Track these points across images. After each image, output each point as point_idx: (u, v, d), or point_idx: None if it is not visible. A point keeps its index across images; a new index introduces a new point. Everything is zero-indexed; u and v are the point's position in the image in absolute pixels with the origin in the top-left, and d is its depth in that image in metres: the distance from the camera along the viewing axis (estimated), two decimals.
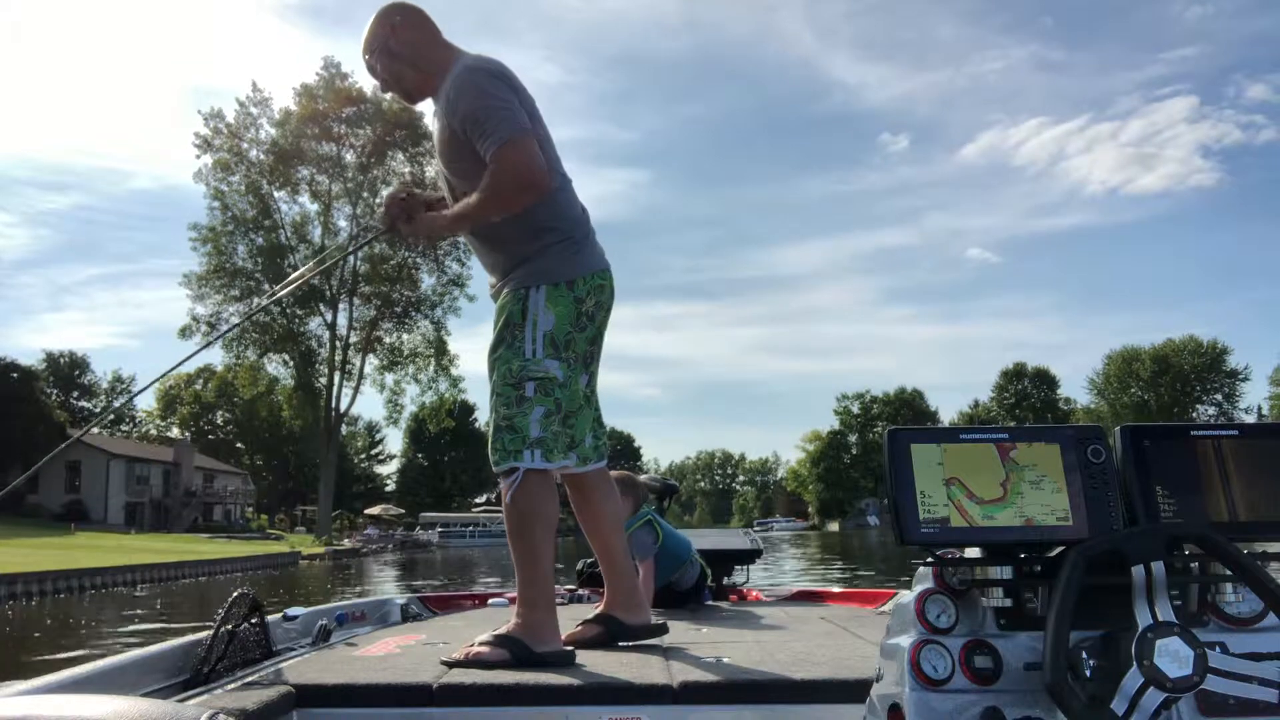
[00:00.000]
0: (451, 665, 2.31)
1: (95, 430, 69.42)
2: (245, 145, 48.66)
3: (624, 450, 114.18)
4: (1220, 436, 1.45)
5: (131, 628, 13.86)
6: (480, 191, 2.47)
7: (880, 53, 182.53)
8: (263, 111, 48.89)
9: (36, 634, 13.32)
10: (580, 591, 5.08)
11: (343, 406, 51.68)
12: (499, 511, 3.06)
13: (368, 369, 51.72)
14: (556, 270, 2.58)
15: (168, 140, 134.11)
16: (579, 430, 2.65)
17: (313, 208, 50.79)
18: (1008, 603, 1.42)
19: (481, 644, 2.43)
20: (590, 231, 2.71)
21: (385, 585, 25.05)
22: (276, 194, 49.67)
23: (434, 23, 2.70)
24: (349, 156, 50.10)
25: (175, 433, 77.03)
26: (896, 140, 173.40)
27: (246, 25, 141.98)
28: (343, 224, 50.73)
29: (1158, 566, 1.33)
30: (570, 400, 2.60)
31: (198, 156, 48.13)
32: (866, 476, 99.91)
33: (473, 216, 2.54)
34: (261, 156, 48.81)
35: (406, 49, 2.63)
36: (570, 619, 2.86)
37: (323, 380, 51.33)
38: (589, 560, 5.40)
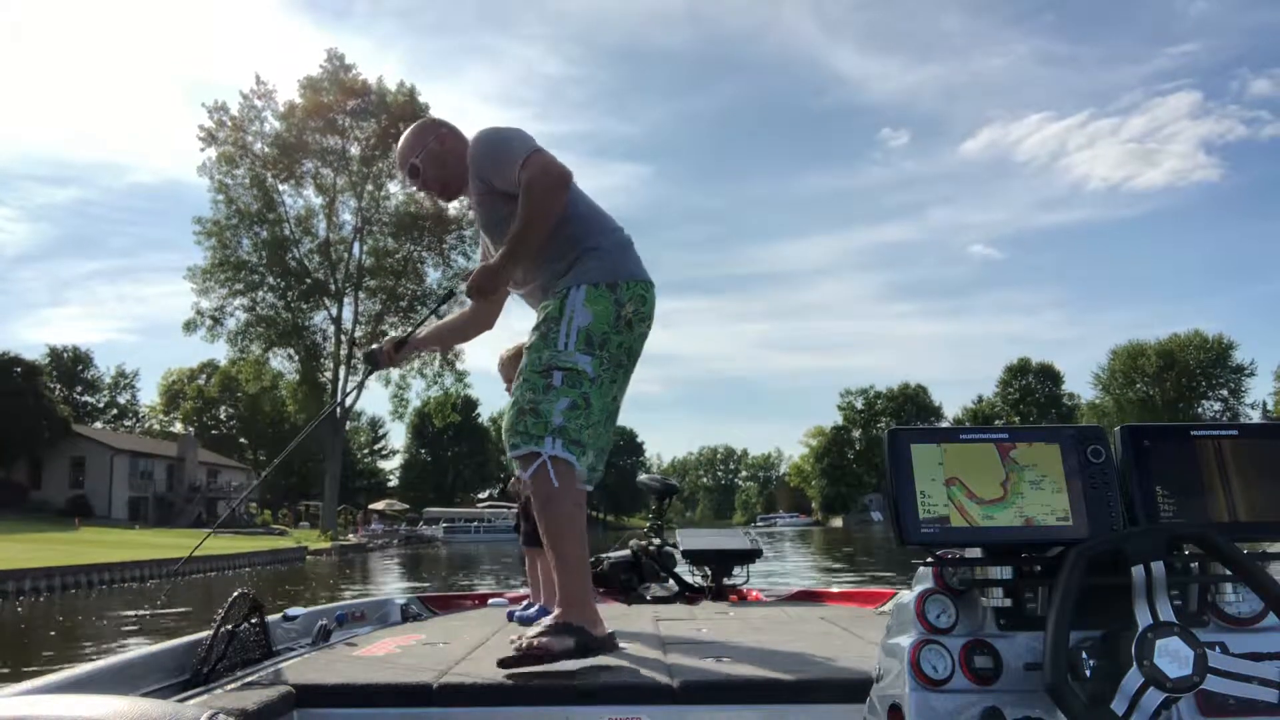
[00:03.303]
0: (509, 664, 2.21)
1: (99, 425, 69.63)
2: (249, 138, 48.66)
3: (626, 446, 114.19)
4: (1220, 437, 1.45)
5: (144, 620, 13.90)
6: (520, 209, 2.57)
7: (882, 46, 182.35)
8: (267, 104, 48.89)
9: (51, 632, 13.35)
10: None
11: (348, 401, 51.74)
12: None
13: None
14: (595, 272, 2.63)
15: (167, 133, 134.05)
16: (596, 442, 2.63)
17: (317, 201, 50.81)
18: (1008, 603, 1.42)
19: (538, 635, 2.33)
20: (627, 243, 2.76)
21: (394, 581, 25.11)
22: (281, 187, 49.67)
23: (456, 128, 2.99)
24: (353, 149, 50.05)
25: (178, 428, 77.13)
26: (898, 135, 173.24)
27: (246, 18, 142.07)
28: (347, 217, 50.73)
29: (1158, 566, 1.32)
30: (600, 400, 2.60)
31: (202, 149, 48.10)
32: (870, 472, 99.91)
33: (523, 236, 2.58)
34: (265, 149, 48.80)
35: (451, 156, 2.89)
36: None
37: (327, 375, 51.39)
38: (589, 559, 5.40)
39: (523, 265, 2.69)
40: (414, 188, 3.01)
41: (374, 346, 3.32)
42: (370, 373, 3.52)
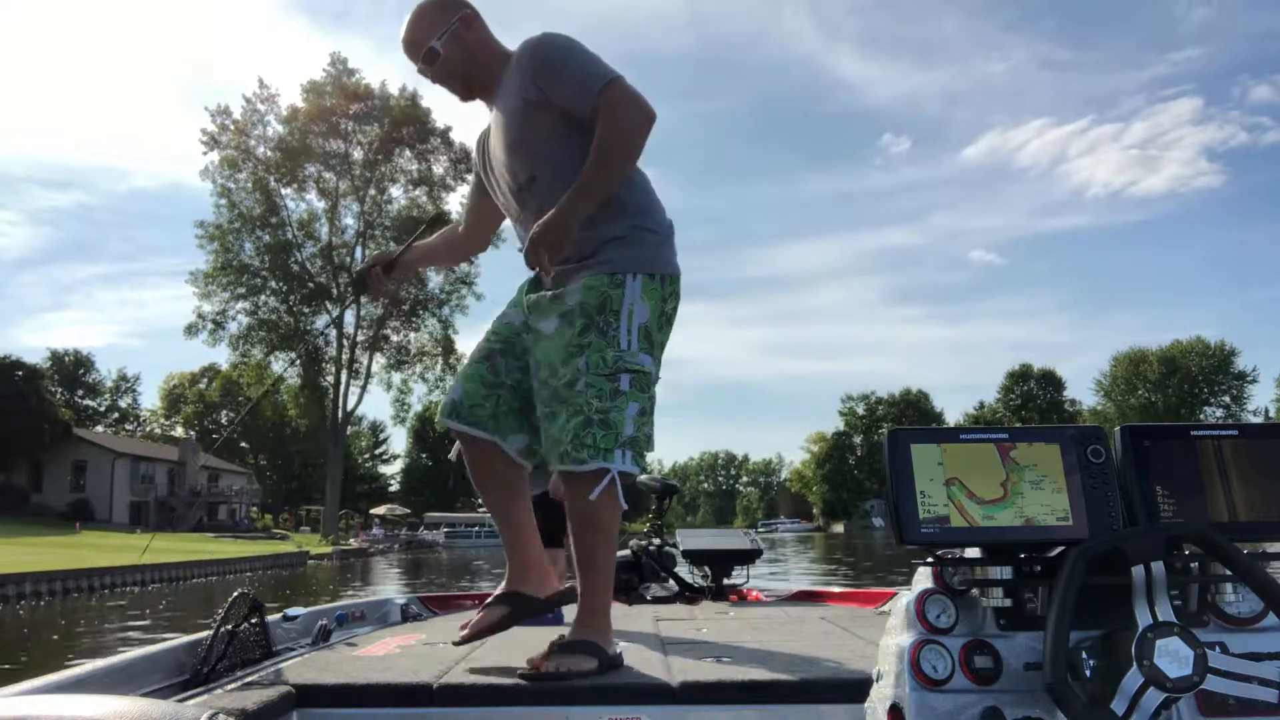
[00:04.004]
0: (536, 678, 2.11)
1: (100, 429, 69.65)
2: (252, 142, 48.81)
3: None
4: (1220, 437, 1.45)
5: (144, 626, 13.90)
6: (601, 140, 2.26)
7: (884, 50, 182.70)
8: (270, 108, 49.05)
9: (54, 635, 13.35)
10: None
11: (349, 405, 51.83)
12: None
13: (375, 368, 51.81)
14: (653, 260, 2.38)
15: (169, 138, 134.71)
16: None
17: (319, 205, 50.93)
18: (1008, 603, 1.42)
19: (560, 655, 2.21)
20: (673, 230, 2.52)
21: (394, 586, 25.09)
22: (283, 191, 49.80)
23: (479, 14, 2.62)
24: (356, 153, 50.23)
25: (179, 432, 77.18)
26: (899, 141, 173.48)
27: (247, 22, 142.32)
28: (349, 221, 50.79)
29: (1158, 566, 1.32)
30: (654, 401, 2.41)
31: (205, 153, 48.42)
32: (871, 478, 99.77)
33: (604, 172, 2.27)
34: (268, 153, 48.94)
35: (478, 46, 2.54)
36: (571, 619, 2.85)
37: (329, 379, 51.44)
38: None
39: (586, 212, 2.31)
40: (425, 76, 2.59)
41: (361, 267, 2.90)
42: (358, 297, 3.13)
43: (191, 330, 48.21)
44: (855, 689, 1.77)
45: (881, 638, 1.51)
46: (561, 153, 2.37)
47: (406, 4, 2.56)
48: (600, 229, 2.35)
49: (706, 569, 4.95)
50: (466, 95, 2.59)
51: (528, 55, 2.40)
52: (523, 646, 2.67)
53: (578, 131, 2.33)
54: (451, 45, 2.51)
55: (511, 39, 2.60)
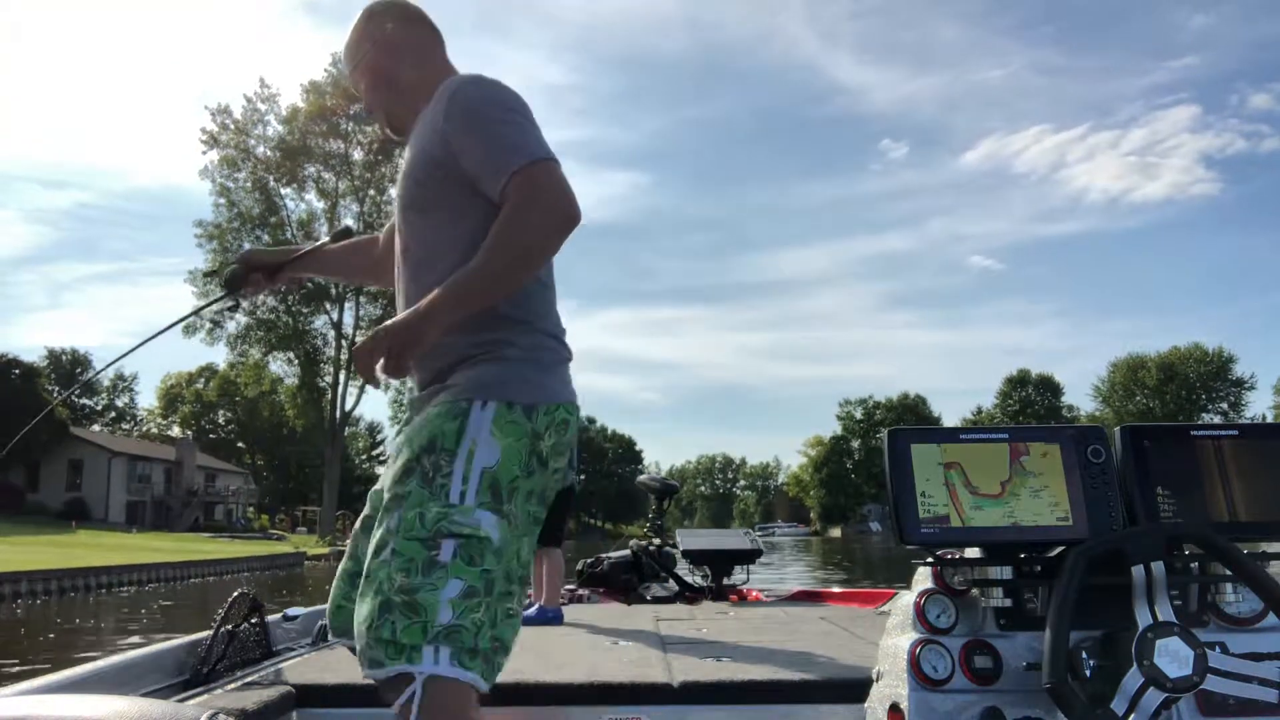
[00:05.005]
0: None
1: (97, 428, 69.59)
2: (252, 142, 48.89)
3: (625, 455, 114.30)
4: (1220, 437, 1.46)
5: (142, 627, 13.88)
6: (496, 235, 1.69)
7: (882, 56, 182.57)
8: (270, 108, 49.10)
9: (51, 634, 13.33)
10: (580, 591, 5.10)
11: (347, 406, 51.85)
12: None
13: None
14: (515, 385, 1.75)
15: (167, 138, 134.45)
16: (508, 631, 1.68)
17: (319, 205, 50.99)
18: (1008, 603, 1.42)
19: None
20: (567, 350, 1.89)
21: None
22: (283, 191, 49.90)
23: (438, 32, 2.06)
24: (356, 154, 50.26)
25: (176, 431, 77.21)
26: (897, 146, 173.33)
27: (248, 21, 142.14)
28: (349, 221, 50.75)
29: (1158, 566, 1.33)
30: (509, 575, 1.69)
31: (204, 153, 48.47)
32: (869, 483, 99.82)
33: (482, 278, 1.67)
34: (268, 153, 49.00)
35: (397, 68, 2.01)
36: (571, 620, 2.85)
37: (327, 379, 51.48)
38: (588, 560, 5.43)
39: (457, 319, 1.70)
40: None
41: (234, 268, 2.28)
42: (225, 298, 2.40)
43: (190, 329, 48.16)
44: (855, 689, 1.77)
45: (881, 638, 1.52)
46: (450, 231, 1.82)
47: None
48: (456, 339, 1.77)
49: (706, 569, 4.96)
50: (394, 132, 2.07)
51: (445, 99, 1.83)
52: (522, 646, 2.67)
53: (483, 213, 1.77)
54: (368, 78, 2.04)
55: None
